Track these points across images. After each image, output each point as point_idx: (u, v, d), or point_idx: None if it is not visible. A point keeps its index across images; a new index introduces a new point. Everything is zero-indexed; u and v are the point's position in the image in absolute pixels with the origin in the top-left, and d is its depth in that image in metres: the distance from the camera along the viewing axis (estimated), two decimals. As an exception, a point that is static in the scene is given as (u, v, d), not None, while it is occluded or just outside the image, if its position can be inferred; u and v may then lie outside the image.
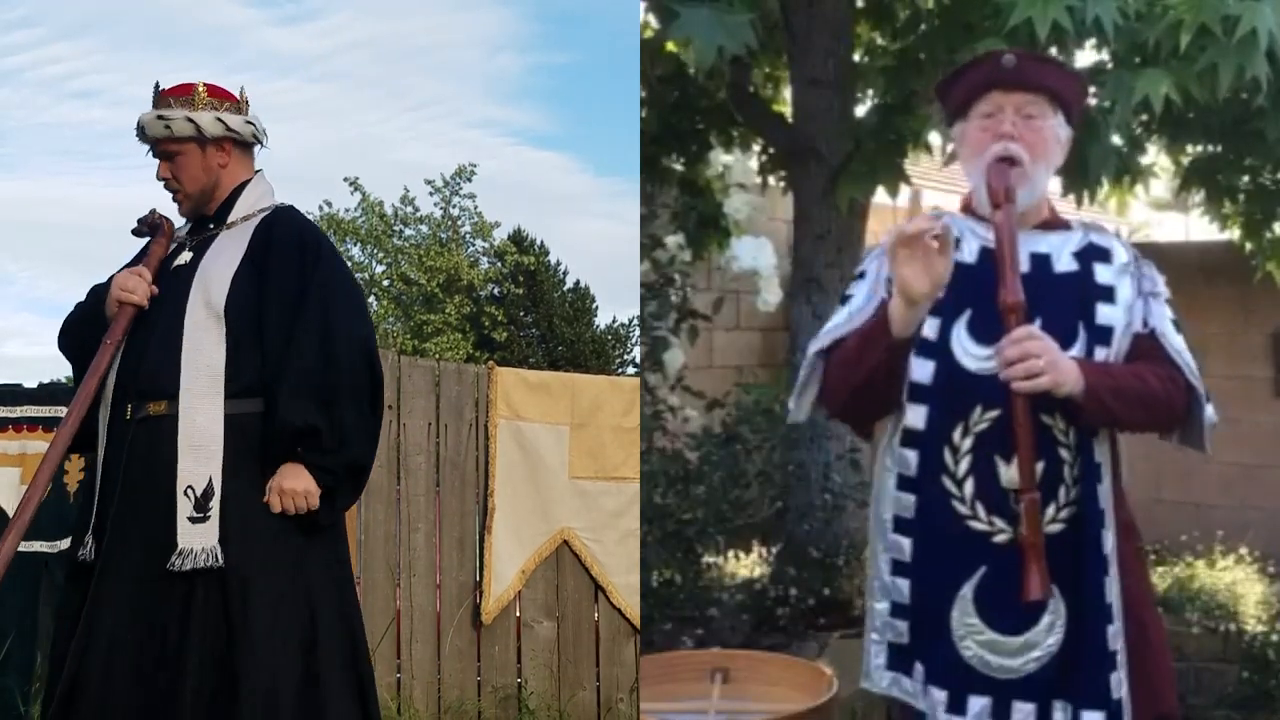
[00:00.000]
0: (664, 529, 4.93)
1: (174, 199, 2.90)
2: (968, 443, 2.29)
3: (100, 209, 40.09)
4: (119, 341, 2.73)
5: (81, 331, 2.85)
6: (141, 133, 2.86)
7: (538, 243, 26.83)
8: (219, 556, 2.55)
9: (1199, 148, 5.27)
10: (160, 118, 2.81)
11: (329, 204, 23.84)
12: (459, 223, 24.72)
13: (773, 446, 5.38)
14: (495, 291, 25.78)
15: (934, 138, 4.98)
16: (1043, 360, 2.16)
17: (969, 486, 2.28)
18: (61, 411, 4.85)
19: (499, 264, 25.45)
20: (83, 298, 2.92)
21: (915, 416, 2.34)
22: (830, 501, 5.39)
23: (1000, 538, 2.26)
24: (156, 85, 2.87)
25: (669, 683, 3.44)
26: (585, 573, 5.13)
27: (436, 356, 19.49)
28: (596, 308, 27.99)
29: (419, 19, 36.38)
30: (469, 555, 5.05)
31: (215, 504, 2.58)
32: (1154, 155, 5.36)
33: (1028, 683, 2.27)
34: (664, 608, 4.84)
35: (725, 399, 5.49)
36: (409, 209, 24.46)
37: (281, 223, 2.84)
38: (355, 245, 24.00)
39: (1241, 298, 5.91)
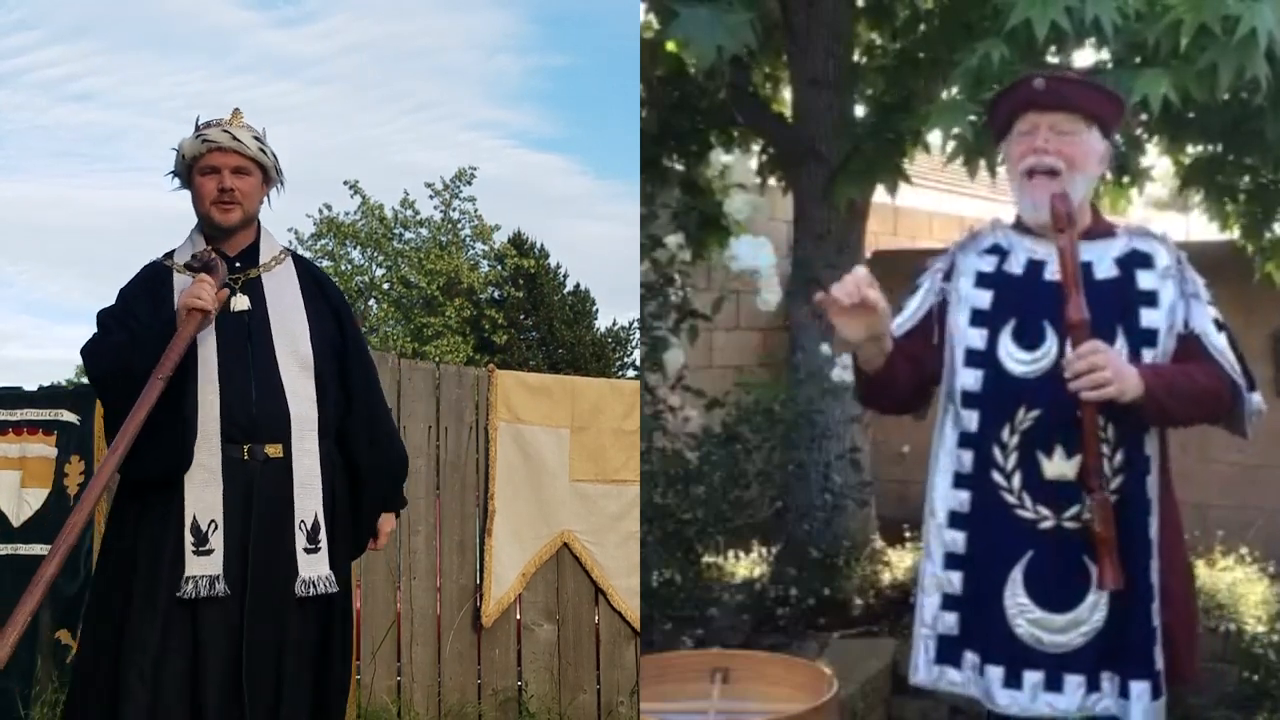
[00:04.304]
0: (664, 529, 4.92)
1: (221, 212, 2.94)
2: (1015, 440, 2.50)
3: (99, 211, 40.18)
4: (185, 347, 2.76)
5: (142, 350, 2.81)
6: (206, 142, 2.92)
7: (538, 246, 26.86)
8: (334, 583, 2.90)
9: (1199, 148, 5.27)
10: (256, 138, 2.96)
11: (329, 207, 23.85)
12: (459, 226, 24.70)
13: (773, 446, 5.37)
14: (495, 294, 25.79)
15: (933, 137, 4.97)
16: (1108, 371, 2.35)
17: (1016, 479, 2.50)
18: (62, 415, 4.87)
19: (499, 267, 25.46)
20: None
21: (968, 420, 2.56)
22: (830, 501, 5.39)
23: (1045, 524, 2.47)
24: (236, 110, 2.99)
25: (669, 683, 3.43)
26: (586, 576, 5.12)
27: (436, 359, 19.48)
28: (596, 311, 28.03)
29: (417, 21, 36.46)
30: (469, 558, 5.04)
31: (323, 536, 2.89)
32: (1153, 156, 5.36)
33: (1077, 656, 2.47)
34: (664, 608, 4.83)
35: (725, 399, 5.48)
36: (409, 212, 24.44)
37: (326, 281, 3.15)
38: (355, 248, 23.99)
39: (1241, 298, 5.88)
